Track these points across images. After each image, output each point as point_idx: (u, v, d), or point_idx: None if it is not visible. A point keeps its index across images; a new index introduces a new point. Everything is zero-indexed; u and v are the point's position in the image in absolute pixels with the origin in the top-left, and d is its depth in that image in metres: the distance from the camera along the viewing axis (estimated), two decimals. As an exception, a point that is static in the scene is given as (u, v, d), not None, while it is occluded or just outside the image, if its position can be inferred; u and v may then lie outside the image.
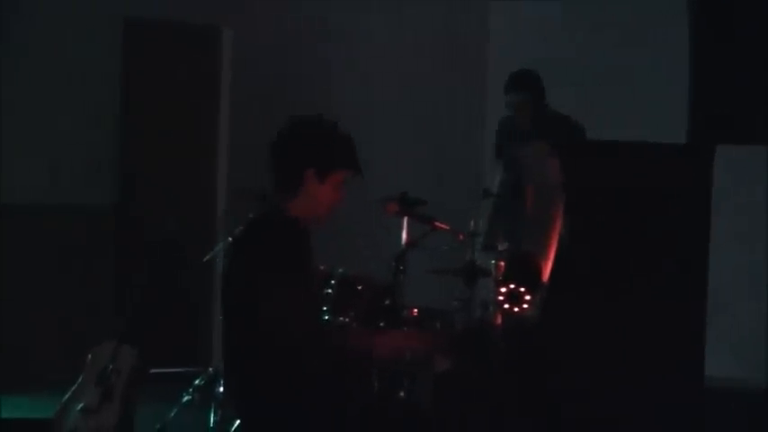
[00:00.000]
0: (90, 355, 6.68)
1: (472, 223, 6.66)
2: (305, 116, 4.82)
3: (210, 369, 7.78)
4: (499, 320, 5.32)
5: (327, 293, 6.13)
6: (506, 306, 5.24)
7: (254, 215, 4.87)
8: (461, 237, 6.62)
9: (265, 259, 4.60)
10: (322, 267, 6.18)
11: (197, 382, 7.70)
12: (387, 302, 6.06)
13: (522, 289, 5.24)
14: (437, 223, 6.47)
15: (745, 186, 9.00)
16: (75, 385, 6.60)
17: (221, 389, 7.39)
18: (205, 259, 7.99)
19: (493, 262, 5.46)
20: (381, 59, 9.92)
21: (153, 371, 7.23)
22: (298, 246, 4.66)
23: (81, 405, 6.50)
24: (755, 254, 9.27)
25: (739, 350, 8.95)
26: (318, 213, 4.79)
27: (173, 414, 7.50)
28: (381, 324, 5.90)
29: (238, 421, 6.81)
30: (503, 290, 5.26)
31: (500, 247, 5.64)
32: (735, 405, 7.85)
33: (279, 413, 4.62)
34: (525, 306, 5.23)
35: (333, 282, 6.17)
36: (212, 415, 7.33)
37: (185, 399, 7.61)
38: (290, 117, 4.83)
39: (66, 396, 6.57)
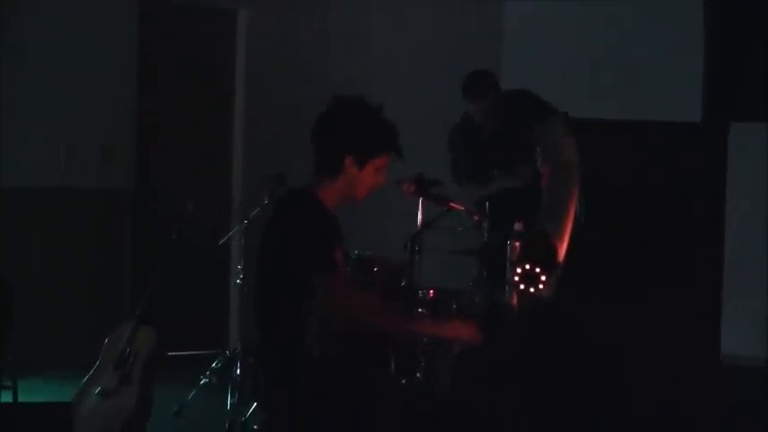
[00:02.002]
0: (108, 339, 6.70)
1: (487, 204, 6.64)
2: (347, 99, 4.79)
3: (228, 352, 7.80)
4: (515, 301, 5.31)
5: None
6: (522, 287, 5.24)
7: (285, 195, 4.85)
8: (477, 218, 6.60)
9: (294, 241, 4.61)
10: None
11: (214, 364, 7.73)
12: (403, 284, 6.06)
13: (538, 269, 5.24)
14: (452, 204, 6.45)
15: (747, 166, 8.93)
16: (94, 368, 6.62)
17: (238, 371, 7.41)
18: (221, 243, 8.00)
19: (508, 242, 5.44)
20: (396, 55, 9.91)
21: (170, 354, 7.24)
22: (326, 230, 4.67)
23: (99, 388, 6.52)
24: (758, 233, 9.25)
25: (745, 328, 8.92)
26: (356, 195, 4.81)
27: (190, 396, 7.52)
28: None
29: (255, 404, 6.84)
30: (519, 270, 5.26)
31: (516, 228, 5.61)
32: (737, 382, 7.83)
33: (296, 394, 4.64)
34: (541, 286, 5.22)
35: (349, 264, 6.17)
36: (230, 397, 7.35)
37: (203, 381, 7.64)
38: (333, 98, 4.80)
39: (85, 379, 6.59)
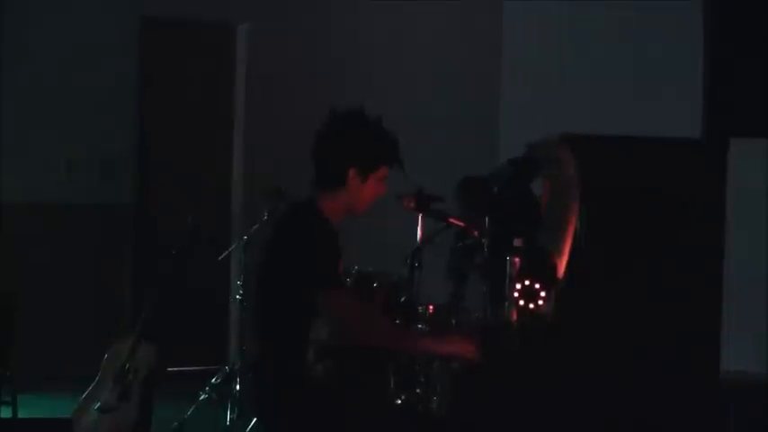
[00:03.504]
0: (107, 354, 6.70)
1: (487, 220, 6.63)
2: (347, 111, 4.79)
3: (227, 367, 7.80)
4: (515, 317, 5.31)
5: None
6: (522, 303, 5.23)
7: (289, 209, 4.85)
8: (476, 234, 6.59)
9: (301, 256, 4.61)
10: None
11: (214, 380, 7.72)
12: (402, 299, 6.05)
13: (538, 285, 5.23)
14: (452, 220, 6.44)
15: (747, 182, 8.90)
16: (93, 384, 6.62)
17: (238, 387, 7.40)
18: (220, 258, 8.00)
19: (508, 258, 5.43)
20: (395, 57, 9.91)
21: (170, 369, 7.25)
22: (331, 245, 4.67)
23: (99, 404, 6.52)
24: (758, 249, 9.22)
25: (745, 344, 8.89)
26: (358, 207, 4.82)
27: (190, 412, 7.52)
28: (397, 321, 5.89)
29: (255, 419, 6.84)
30: (518, 286, 5.25)
31: (515, 243, 5.61)
32: (737, 398, 7.81)
33: (295, 409, 4.64)
34: (541, 302, 5.21)
35: (348, 279, 6.17)
36: (229, 413, 7.35)
37: (202, 397, 7.64)
38: (331, 111, 4.80)
39: (84, 395, 6.60)
